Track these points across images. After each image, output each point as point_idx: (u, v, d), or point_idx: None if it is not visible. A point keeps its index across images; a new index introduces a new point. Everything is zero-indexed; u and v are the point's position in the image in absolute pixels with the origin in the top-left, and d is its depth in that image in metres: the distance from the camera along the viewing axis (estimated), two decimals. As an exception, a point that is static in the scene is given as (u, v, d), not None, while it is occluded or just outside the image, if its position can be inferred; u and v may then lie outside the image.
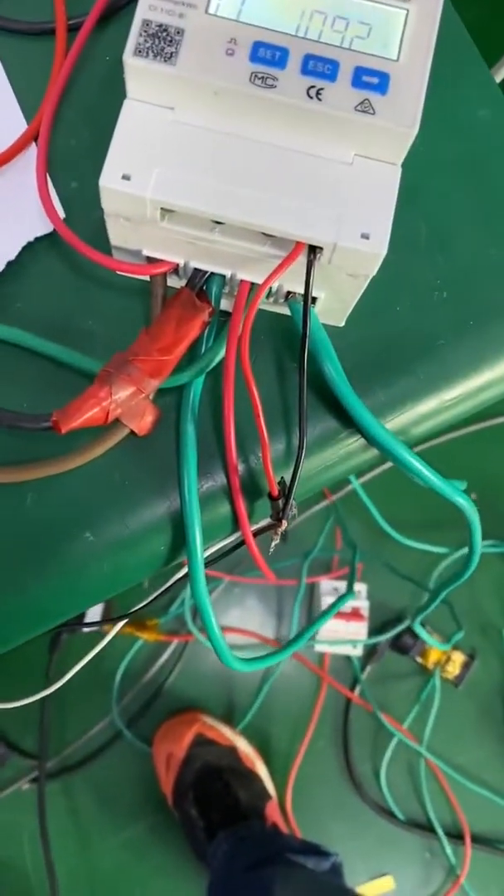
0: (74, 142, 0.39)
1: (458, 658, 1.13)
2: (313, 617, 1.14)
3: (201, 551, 0.36)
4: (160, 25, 0.30)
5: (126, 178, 0.30)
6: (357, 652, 1.13)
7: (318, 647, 1.12)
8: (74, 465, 0.35)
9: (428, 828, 1.10)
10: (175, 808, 1.02)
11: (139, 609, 0.38)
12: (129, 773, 1.07)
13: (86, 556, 0.35)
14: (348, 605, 1.11)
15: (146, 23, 0.30)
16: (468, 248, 0.40)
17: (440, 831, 1.09)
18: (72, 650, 1.05)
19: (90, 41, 0.39)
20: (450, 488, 0.38)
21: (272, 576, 0.43)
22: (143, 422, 0.35)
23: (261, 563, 0.39)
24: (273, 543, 0.36)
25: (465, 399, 0.39)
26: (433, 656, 1.13)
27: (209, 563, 0.38)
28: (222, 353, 0.36)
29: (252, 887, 0.83)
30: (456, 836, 1.10)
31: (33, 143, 0.38)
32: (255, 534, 0.37)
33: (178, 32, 0.30)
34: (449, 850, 1.09)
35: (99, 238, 0.35)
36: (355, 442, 0.38)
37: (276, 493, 0.35)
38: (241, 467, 0.37)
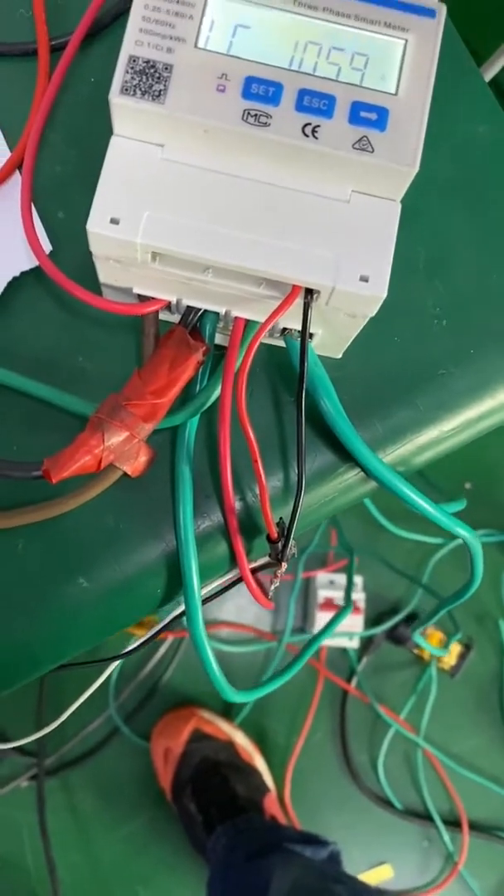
0: (60, 168, 0.37)
1: (455, 648, 1.13)
2: (309, 608, 1.13)
3: (199, 593, 0.35)
4: (147, 61, 0.28)
5: (115, 221, 0.29)
6: (353, 644, 1.13)
7: (315, 640, 1.12)
8: (66, 510, 0.34)
9: (425, 816, 1.11)
10: (174, 803, 1.02)
11: (132, 651, 0.38)
12: (128, 768, 1.08)
13: (79, 602, 0.34)
14: (344, 597, 1.11)
15: (133, 59, 0.28)
16: (468, 273, 0.39)
17: (438, 819, 1.10)
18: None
19: (75, 62, 0.38)
20: (449, 521, 0.37)
21: (272, 605, 0.42)
22: (137, 463, 0.34)
23: (260, 599, 0.38)
24: (273, 586, 0.35)
25: (465, 428, 0.39)
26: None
27: (206, 601, 0.37)
28: (217, 393, 0.34)
29: (251, 876, 0.84)
30: (453, 823, 1.11)
31: (17, 172, 0.37)
32: (254, 571, 0.37)
33: (167, 68, 0.29)
34: (446, 837, 1.10)
35: (88, 271, 0.33)
36: (355, 475, 0.37)
37: (274, 535, 0.34)
38: (238, 506, 0.36)
